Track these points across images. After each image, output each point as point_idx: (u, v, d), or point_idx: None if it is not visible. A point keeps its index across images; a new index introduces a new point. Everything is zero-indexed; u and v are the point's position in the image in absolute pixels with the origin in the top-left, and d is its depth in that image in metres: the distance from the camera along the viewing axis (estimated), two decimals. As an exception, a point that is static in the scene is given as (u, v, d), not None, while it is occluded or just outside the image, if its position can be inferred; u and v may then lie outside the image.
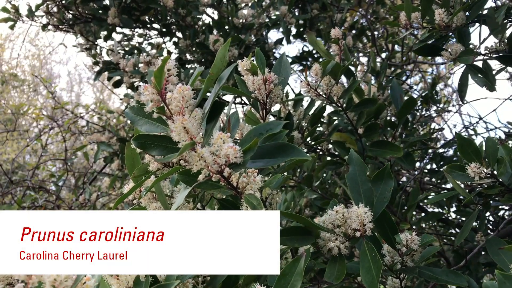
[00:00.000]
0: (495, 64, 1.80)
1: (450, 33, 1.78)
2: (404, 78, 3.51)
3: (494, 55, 1.75)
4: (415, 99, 1.92)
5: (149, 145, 0.79)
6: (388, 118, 2.21)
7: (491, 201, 2.05)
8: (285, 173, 1.23)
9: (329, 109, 2.27)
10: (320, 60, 2.33)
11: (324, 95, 1.61)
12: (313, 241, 0.99)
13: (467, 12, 1.70)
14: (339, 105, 1.71)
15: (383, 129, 2.02)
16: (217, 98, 0.74)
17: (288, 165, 1.07)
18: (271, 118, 1.35)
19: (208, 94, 0.80)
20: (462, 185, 1.56)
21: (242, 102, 3.35)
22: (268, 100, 1.03)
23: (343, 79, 1.99)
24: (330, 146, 2.48)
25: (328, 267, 0.96)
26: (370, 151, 1.88)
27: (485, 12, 1.70)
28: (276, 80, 1.04)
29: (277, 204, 1.17)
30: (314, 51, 3.72)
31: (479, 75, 1.73)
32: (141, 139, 0.80)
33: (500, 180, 1.36)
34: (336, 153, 2.22)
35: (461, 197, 2.49)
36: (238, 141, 0.91)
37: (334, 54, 1.60)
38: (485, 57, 1.75)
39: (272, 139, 0.80)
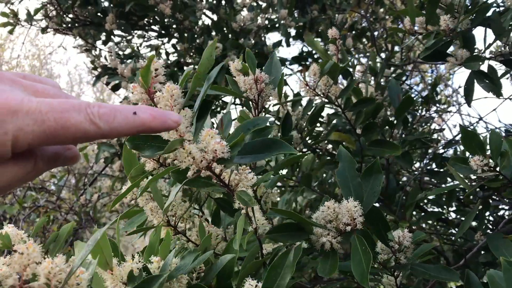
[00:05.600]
0: (495, 64, 1.80)
1: (454, 38, 1.77)
2: (404, 78, 3.52)
3: (499, 59, 1.75)
4: (412, 98, 1.93)
5: (142, 145, 0.80)
6: (387, 117, 2.22)
7: (490, 201, 2.06)
8: (280, 172, 1.24)
9: (327, 109, 2.28)
10: (319, 60, 2.34)
11: (322, 95, 1.63)
12: (306, 237, 1.00)
13: (471, 16, 1.70)
14: (337, 104, 1.73)
15: (381, 128, 2.03)
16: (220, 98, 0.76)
17: (283, 163, 1.08)
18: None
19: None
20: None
21: (242, 103, 3.36)
22: (259, 99, 1.05)
23: (342, 80, 2.00)
24: (330, 146, 2.50)
25: (321, 262, 0.97)
26: (368, 150, 1.89)
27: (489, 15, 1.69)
28: (267, 79, 1.06)
29: (271, 203, 1.19)
30: (314, 52, 3.74)
31: (485, 80, 1.73)
32: (134, 140, 0.81)
33: (503, 173, 1.37)
34: (335, 153, 2.23)
35: (461, 197, 2.50)
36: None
37: (332, 54, 1.61)
38: (490, 61, 1.74)
39: (260, 135, 0.82)
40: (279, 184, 2.43)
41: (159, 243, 0.98)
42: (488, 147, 1.41)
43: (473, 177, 1.57)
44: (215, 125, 1.02)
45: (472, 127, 3.61)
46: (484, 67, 1.74)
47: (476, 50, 1.75)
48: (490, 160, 1.37)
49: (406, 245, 1.14)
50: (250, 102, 1.06)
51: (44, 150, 0.53)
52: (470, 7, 1.72)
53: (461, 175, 1.44)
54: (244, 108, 1.37)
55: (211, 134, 0.68)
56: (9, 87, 0.49)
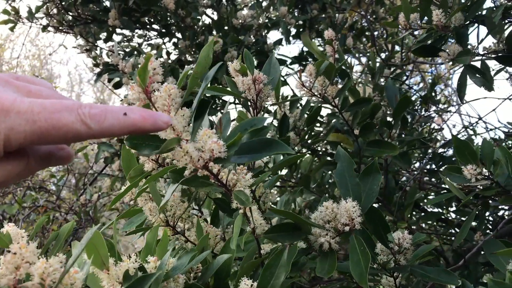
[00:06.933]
0: (494, 64, 1.81)
1: (448, 34, 1.78)
2: (404, 78, 3.52)
3: (493, 55, 1.76)
4: (410, 98, 1.93)
5: (140, 145, 0.80)
6: (385, 118, 2.22)
7: (490, 201, 2.06)
8: (278, 173, 1.24)
9: (327, 110, 2.28)
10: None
11: (318, 95, 1.62)
12: (304, 237, 1.00)
13: (465, 13, 1.70)
14: (334, 105, 1.72)
15: (379, 128, 2.02)
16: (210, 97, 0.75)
17: (281, 163, 1.08)
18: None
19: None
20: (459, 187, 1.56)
21: (241, 103, 3.35)
22: (258, 99, 1.05)
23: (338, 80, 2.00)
24: (328, 147, 2.49)
25: (319, 262, 0.97)
26: (366, 150, 1.89)
27: (483, 12, 1.70)
28: (266, 80, 1.06)
29: (270, 203, 1.19)
30: (314, 52, 3.72)
31: (477, 75, 1.74)
32: (133, 139, 0.81)
33: (497, 181, 1.37)
34: (333, 154, 2.22)
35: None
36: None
37: (329, 55, 1.61)
38: (483, 58, 1.75)
39: (258, 135, 0.82)
40: (278, 184, 2.43)
41: (156, 243, 0.98)
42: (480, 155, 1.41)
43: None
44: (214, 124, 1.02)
45: (471, 127, 3.61)
46: (478, 64, 1.75)
47: (469, 46, 1.76)
48: (484, 169, 1.38)
49: (406, 247, 1.14)
50: (249, 103, 1.06)
51: (37, 149, 0.54)
52: (463, 2, 1.73)
53: (455, 185, 1.45)
54: (243, 108, 1.37)
55: (209, 133, 0.68)
56: (2, 87, 0.50)
